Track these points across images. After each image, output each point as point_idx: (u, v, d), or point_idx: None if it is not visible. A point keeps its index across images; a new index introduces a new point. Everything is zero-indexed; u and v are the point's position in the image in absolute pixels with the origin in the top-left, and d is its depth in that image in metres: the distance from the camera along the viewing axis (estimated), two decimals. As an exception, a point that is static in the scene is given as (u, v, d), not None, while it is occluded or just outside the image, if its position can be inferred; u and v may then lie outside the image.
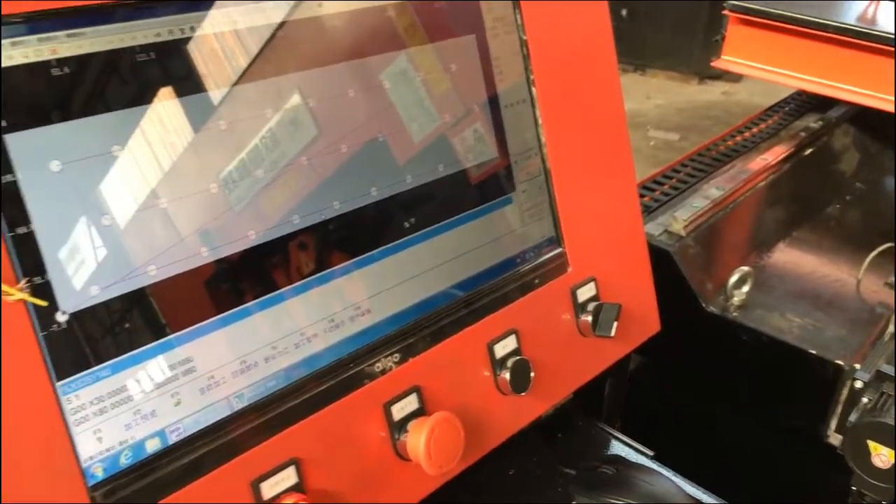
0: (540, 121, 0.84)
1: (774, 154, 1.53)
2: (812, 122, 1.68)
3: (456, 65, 0.77)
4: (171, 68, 0.60)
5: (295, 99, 0.67)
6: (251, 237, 0.63)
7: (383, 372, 0.70)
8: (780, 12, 1.49)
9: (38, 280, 0.53)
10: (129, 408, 0.56)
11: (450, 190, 0.78)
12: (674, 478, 0.89)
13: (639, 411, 1.15)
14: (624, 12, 4.59)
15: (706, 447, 1.22)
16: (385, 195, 0.72)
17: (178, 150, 0.60)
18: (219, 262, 0.61)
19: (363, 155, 0.71)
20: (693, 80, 4.74)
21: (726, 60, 1.61)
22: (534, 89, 0.83)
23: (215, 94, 0.62)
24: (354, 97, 0.70)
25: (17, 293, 0.50)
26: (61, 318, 0.54)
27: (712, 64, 1.67)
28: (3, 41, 0.52)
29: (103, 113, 0.56)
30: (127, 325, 0.57)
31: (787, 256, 1.41)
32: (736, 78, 4.45)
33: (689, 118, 4.28)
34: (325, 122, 0.68)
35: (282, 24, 0.66)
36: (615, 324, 0.85)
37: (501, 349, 0.78)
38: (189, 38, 0.60)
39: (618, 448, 0.94)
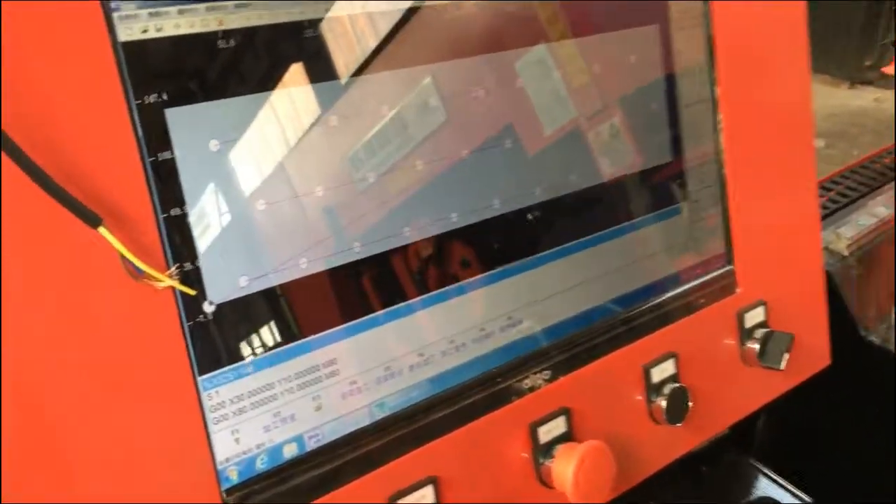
0: (721, 124, 0.76)
1: (954, 173, 1.38)
2: None
3: (636, 56, 0.70)
4: (339, 47, 0.55)
5: (462, 88, 0.61)
6: (406, 234, 0.58)
7: (532, 389, 0.64)
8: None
9: (188, 266, 0.49)
10: (270, 409, 0.53)
11: (616, 196, 0.71)
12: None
13: (788, 445, 1.06)
14: (774, 9, 4.34)
15: (864, 490, 1.11)
16: (548, 197, 0.66)
17: (340, 135, 0.55)
18: (371, 259, 0.57)
19: (527, 154, 0.65)
20: (843, 84, 4.45)
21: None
22: (717, 89, 0.75)
23: (385, 76, 0.57)
24: (523, 88, 0.64)
25: (167, 280, 0.47)
26: (208, 308, 0.50)
27: (884, 70, 1.52)
28: (171, 7, 0.48)
29: (266, 91, 0.52)
30: (272, 321, 0.53)
31: (962, 287, 1.27)
32: (888, 84, 4.15)
33: (838, 124, 4.02)
34: (490, 118, 0.63)
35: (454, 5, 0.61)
36: (786, 356, 0.76)
37: (658, 374, 0.71)
38: (357, 15, 0.56)
39: (771, 490, 0.85)
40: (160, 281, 0.47)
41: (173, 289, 0.48)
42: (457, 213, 0.61)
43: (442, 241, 0.60)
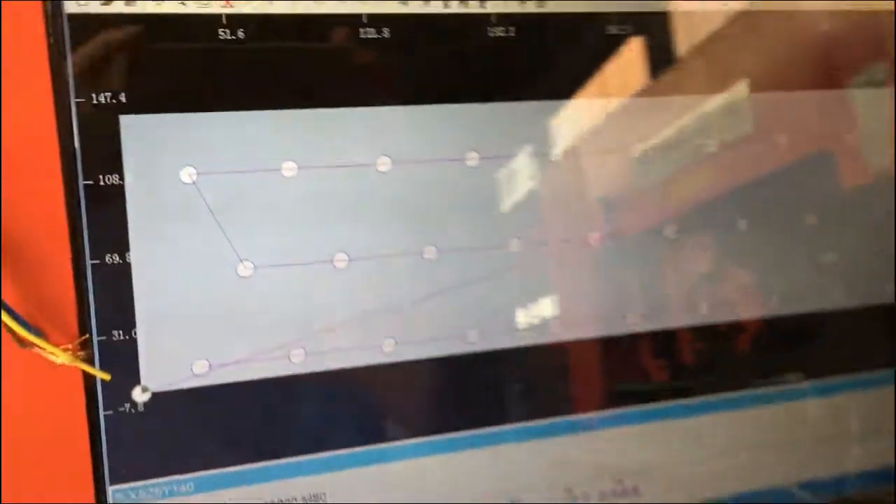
0: None
1: None
2: None
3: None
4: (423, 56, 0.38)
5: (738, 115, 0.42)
6: (471, 339, 0.40)
7: (631, 591, 0.44)
8: None
9: (118, 335, 0.35)
10: (207, 548, 0.38)
11: (846, 329, 0.47)
12: None
13: None
14: None
15: None
16: (728, 319, 0.44)
17: (392, 185, 0.38)
18: (403, 366, 0.39)
19: (720, 253, 0.44)
20: None
21: None
22: None
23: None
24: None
25: (61, 355, 0.33)
26: (140, 397, 0.36)
27: None
28: (157, -25, 0.34)
29: (280, 108, 0.36)
30: (237, 427, 0.38)
31: None
32: None
33: None
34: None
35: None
36: None
37: None
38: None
39: None
40: (53, 355, 0.33)
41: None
42: (561, 326, 0.41)
43: (528, 356, 0.41)
